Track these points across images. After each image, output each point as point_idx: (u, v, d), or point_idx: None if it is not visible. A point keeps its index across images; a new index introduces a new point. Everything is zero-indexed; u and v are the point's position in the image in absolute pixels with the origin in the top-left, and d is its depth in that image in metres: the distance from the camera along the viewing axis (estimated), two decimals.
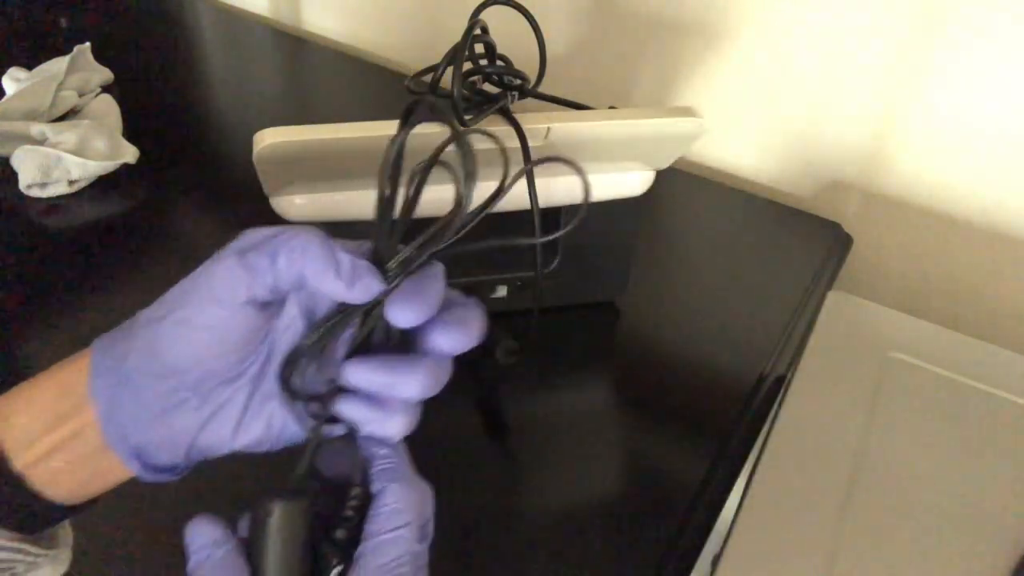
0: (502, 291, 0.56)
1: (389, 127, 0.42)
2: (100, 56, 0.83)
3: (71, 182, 0.68)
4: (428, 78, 0.44)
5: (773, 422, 0.50)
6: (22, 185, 0.67)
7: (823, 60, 0.66)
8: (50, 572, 0.31)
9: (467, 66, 0.43)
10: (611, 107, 0.48)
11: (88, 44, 0.82)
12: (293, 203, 0.48)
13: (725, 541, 0.42)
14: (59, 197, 0.68)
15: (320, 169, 0.46)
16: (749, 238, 0.68)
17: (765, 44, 0.68)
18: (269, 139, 0.42)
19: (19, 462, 0.28)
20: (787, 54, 0.67)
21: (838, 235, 0.69)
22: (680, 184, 0.74)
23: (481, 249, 0.51)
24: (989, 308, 0.67)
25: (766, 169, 0.74)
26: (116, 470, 0.30)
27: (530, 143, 0.45)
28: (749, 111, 0.72)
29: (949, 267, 0.68)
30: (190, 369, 0.28)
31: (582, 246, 0.56)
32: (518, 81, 0.45)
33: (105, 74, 0.82)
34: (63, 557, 0.32)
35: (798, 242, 0.68)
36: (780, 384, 0.54)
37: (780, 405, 0.51)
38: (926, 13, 0.59)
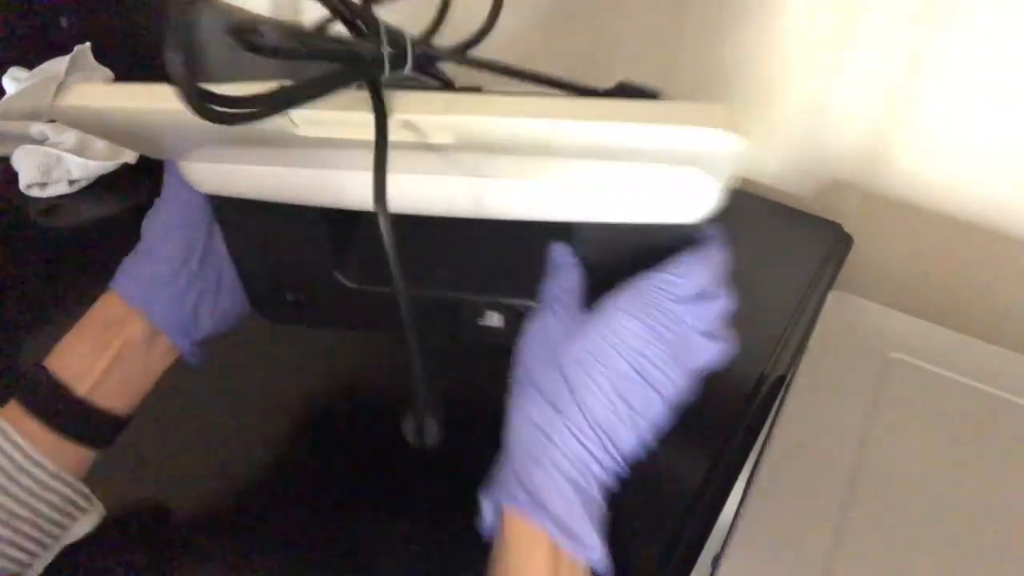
0: (495, 319, 0.43)
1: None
2: (100, 56, 0.83)
3: (71, 182, 0.68)
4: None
5: (773, 422, 0.50)
6: (22, 185, 0.67)
7: (823, 58, 0.66)
8: (86, 524, 0.39)
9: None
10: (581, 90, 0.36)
11: (88, 44, 0.82)
12: (193, 170, 0.39)
13: (725, 541, 0.42)
14: (59, 197, 0.68)
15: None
16: (749, 238, 0.68)
17: (765, 43, 0.68)
18: (69, 100, 0.35)
19: (82, 388, 0.38)
20: (787, 53, 0.67)
21: (838, 235, 0.68)
22: None
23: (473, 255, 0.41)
24: (989, 308, 0.67)
25: (766, 169, 0.74)
26: (162, 360, 0.41)
27: (415, 138, 0.32)
28: (749, 111, 0.72)
29: (949, 267, 0.68)
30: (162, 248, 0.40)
31: (611, 271, 0.39)
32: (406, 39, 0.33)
33: (105, 74, 0.82)
34: (98, 509, 0.39)
35: (798, 242, 0.67)
36: (780, 384, 0.54)
37: (780, 405, 0.51)
38: (927, 12, 0.59)
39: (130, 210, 0.68)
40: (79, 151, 0.68)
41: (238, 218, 0.41)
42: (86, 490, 0.39)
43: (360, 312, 0.45)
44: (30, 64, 0.78)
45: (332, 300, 0.44)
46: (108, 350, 0.39)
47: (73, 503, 0.38)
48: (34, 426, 0.37)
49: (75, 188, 0.68)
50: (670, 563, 0.43)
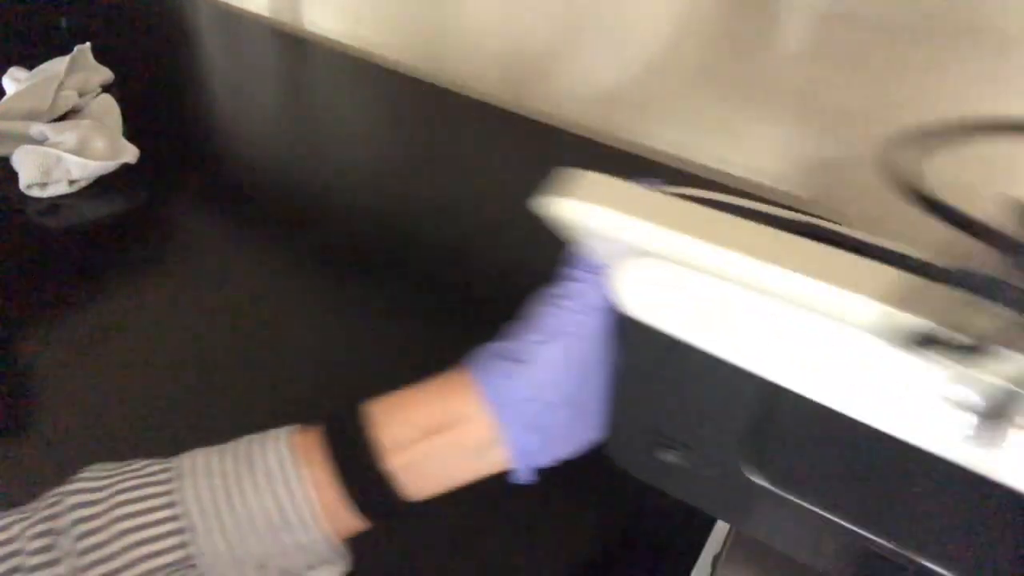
0: None
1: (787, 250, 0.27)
2: (100, 56, 0.83)
3: (71, 182, 0.68)
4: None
5: None
6: (22, 185, 0.67)
7: (822, 58, 0.66)
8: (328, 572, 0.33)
9: None
10: None
11: (88, 44, 0.82)
12: (635, 290, 0.31)
13: (725, 541, 0.42)
14: (59, 197, 0.68)
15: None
16: None
17: (764, 42, 0.68)
18: (575, 199, 0.30)
19: (394, 461, 0.32)
20: (786, 52, 0.67)
21: None
22: (677, 184, 0.74)
23: None
24: None
25: (766, 169, 0.74)
26: (488, 469, 0.34)
27: None
28: (747, 111, 0.72)
29: None
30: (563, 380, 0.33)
31: None
32: None
33: (105, 74, 0.82)
34: (344, 562, 0.34)
35: None
36: None
37: None
38: (926, 13, 0.59)
39: (130, 210, 0.68)
40: (79, 151, 0.68)
41: (653, 354, 0.33)
42: (342, 549, 0.33)
43: (756, 512, 0.34)
44: (30, 64, 0.78)
45: (721, 483, 0.34)
46: (440, 436, 0.33)
47: (325, 559, 0.33)
48: (326, 475, 0.31)
49: (75, 188, 0.68)
50: (670, 563, 0.43)
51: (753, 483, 0.33)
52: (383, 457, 0.32)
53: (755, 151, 0.74)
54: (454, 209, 0.70)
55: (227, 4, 1.08)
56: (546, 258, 0.60)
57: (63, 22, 0.99)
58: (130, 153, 0.71)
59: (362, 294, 0.60)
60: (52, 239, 0.64)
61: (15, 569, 0.28)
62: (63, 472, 0.43)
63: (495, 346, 0.34)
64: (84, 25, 0.99)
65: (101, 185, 0.70)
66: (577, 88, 0.81)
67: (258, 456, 0.31)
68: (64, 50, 0.78)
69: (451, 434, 0.33)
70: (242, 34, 1.02)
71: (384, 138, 0.81)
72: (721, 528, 0.45)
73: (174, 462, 0.31)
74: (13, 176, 0.68)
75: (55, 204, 0.67)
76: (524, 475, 0.35)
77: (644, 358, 0.33)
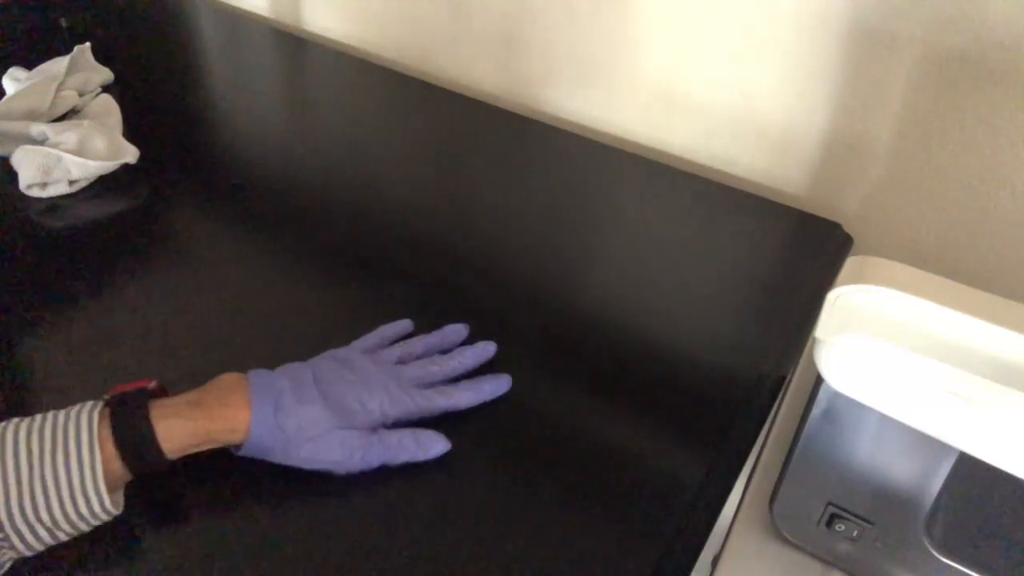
0: None
1: None
2: (100, 56, 0.83)
3: (71, 182, 0.68)
4: None
5: (773, 422, 0.49)
6: (22, 185, 0.67)
7: (822, 60, 0.66)
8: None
9: None
10: None
11: (88, 44, 0.82)
12: (840, 365, 0.33)
13: (725, 541, 0.42)
14: (59, 197, 0.68)
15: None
16: (749, 238, 0.68)
17: (764, 44, 0.68)
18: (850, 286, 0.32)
19: (169, 448, 0.41)
20: (787, 53, 0.67)
21: (838, 235, 0.69)
22: (679, 184, 0.74)
23: None
24: None
25: (766, 169, 0.74)
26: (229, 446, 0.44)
27: None
28: (747, 112, 0.72)
29: (951, 268, 0.68)
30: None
31: None
32: None
33: (105, 74, 0.82)
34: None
35: (798, 242, 0.68)
36: (780, 384, 0.54)
37: (780, 405, 0.51)
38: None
39: (130, 210, 0.68)
40: (79, 151, 0.68)
41: (848, 428, 0.34)
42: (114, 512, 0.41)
43: None
44: (30, 64, 0.78)
45: (896, 557, 0.36)
46: (208, 441, 0.42)
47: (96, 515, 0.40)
48: (114, 459, 0.39)
49: (75, 188, 0.68)
50: (670, 563, 0.43)
51: (931, 557, 0.34)
52: (163, 447, 0.41)
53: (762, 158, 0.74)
54: (453, 209, 0.70)
55: (227, 4, 1.08)
56: (545, 258, 0.60)
57: (63, 22, 0.99)
58: (130, 153, 0.71)
59: (362, 293, 0.60)
60: (52, 239, 0.64)
61: None
62: None
63: (280, 383, 0.45)
64: (84, 25, 0.99)
65: (101, 185, 0.70)
66: (584, 92, 0.81)
67: (65, 437, 0.38)
68: (64, 50, 0.78)
69: (217, 438, 0.43)
70: (242, 34, 1.02)
71: (384, 138, 0.81)
72: (721, 528, 0.45)
73: None
74: (13, 176, 0.68)
75: (55, 204, 0.67)
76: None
77: (837, 433, 0.35)
